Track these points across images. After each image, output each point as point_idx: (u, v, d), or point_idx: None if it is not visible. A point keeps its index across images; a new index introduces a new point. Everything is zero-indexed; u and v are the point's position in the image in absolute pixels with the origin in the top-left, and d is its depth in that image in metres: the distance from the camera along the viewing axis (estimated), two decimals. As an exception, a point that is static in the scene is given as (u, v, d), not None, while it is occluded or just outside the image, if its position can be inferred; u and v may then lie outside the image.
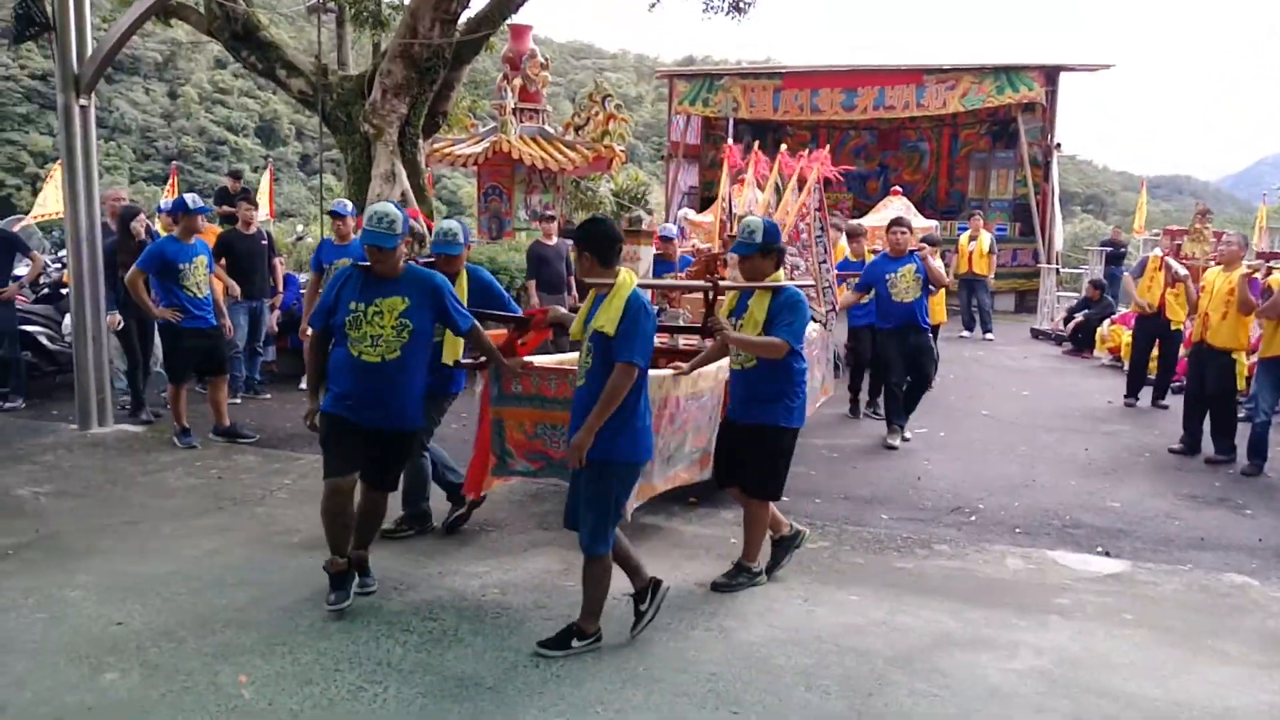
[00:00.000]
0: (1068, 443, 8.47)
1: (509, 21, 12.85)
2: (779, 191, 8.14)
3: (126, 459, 7.27)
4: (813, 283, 7.47)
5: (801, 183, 7.93)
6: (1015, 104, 18.87)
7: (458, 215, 6.31)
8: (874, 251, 9.77)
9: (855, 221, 13.36)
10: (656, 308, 7.82)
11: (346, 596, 4.59)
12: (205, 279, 7.64)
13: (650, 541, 5.62)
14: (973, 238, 14.97)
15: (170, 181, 19.24)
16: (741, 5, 13.29)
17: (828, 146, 10.87)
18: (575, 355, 4.73)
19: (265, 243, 9.49)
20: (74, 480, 6.68)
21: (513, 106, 13.64)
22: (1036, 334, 15.75)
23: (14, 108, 47.36)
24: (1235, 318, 7.86)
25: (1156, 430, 9.02)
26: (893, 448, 8.08)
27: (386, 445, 4.68)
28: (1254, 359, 8.42)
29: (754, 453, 4.95)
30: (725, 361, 5.33)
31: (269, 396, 9.50)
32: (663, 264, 9.42)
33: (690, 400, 5.49)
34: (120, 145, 49.76)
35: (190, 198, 7.76)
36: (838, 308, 8.32)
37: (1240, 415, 8.43)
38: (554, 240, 10.44)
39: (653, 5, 13.65)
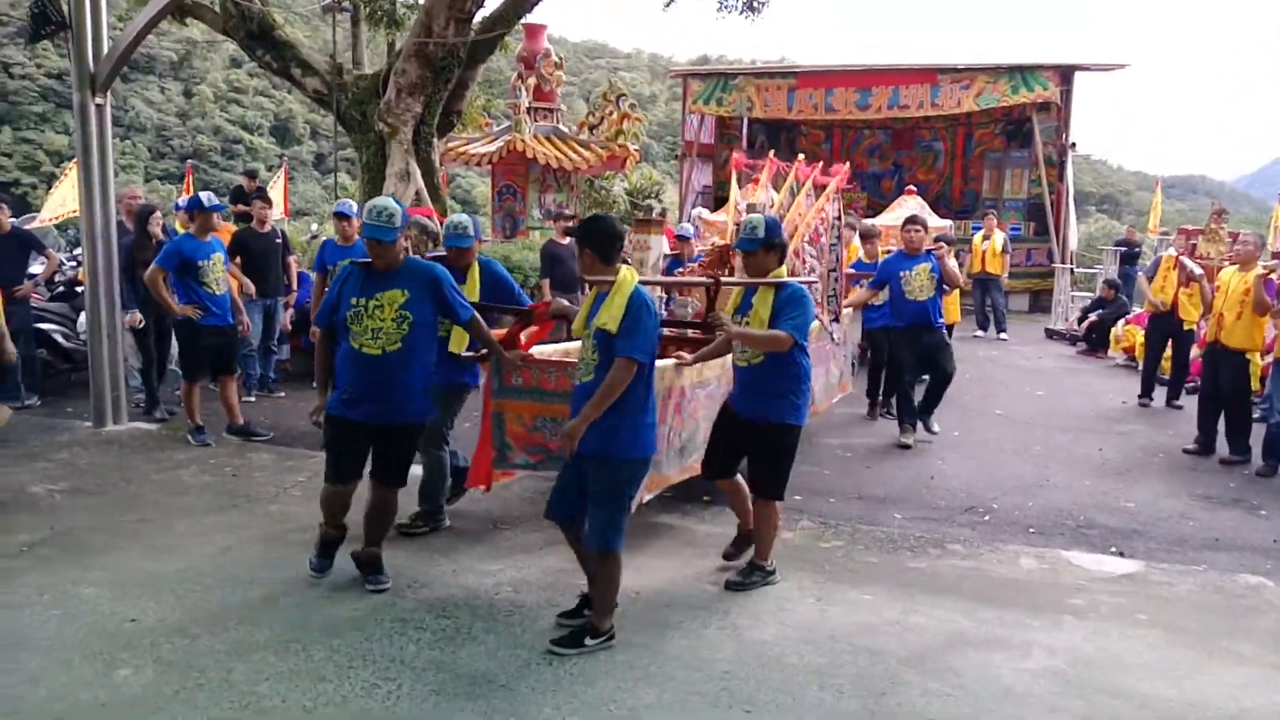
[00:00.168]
0: (1082, 443, 8.43)
1: (523, 21, 12.89)
2: (794, 194, 8.12)
3: (141, 457, 7.31)
4: (817, 280, 7.44)
5: (818, 188, 7.91)
6: (1030, 104, 18.79)
7: (471, 214, 6.30)
8: (887, 252, 9.75)
9: (869, 222, 13.31)
10: (666, 296, 7.87)
11: (329, 565, 4.86)
12: (223, 276, 7.67)
13: (663, 540, 5.62)
14: (986, 237, 14.94)
15: (185, 180, 19.37)
16: (755, 4, 13.22)
17: (844, 157, 10.84)
18: (576, 345, 4.72)
19: (280, 241, 9.52)
20: (88, 478, 6.71)
21: (527, 106, 13.70)
22: (1051, 334, 15.68)
23: (30, 106, 47.73)
24: (1250, 318, 7.83)
25: (1171, 430, 8.97)
26: (906, 447, 8.06)
27: (390, 440, 4.71)
28: (1269, 359, 8.37)
29: (758, 451, 4.93)
30: (729, 356, 5.30)
31: (283, 395, 9.53)
32: (678, 262, 9.76)
33: (698, 389, 5.47)
34: (136, 144, 50.11)
35: (206, 195, 7.79)
36: (848, 305, 8.30)
37: (1255, 416, 8.39)
38: (568, 239, 10.48)
39: (667, 4, 13.56)
